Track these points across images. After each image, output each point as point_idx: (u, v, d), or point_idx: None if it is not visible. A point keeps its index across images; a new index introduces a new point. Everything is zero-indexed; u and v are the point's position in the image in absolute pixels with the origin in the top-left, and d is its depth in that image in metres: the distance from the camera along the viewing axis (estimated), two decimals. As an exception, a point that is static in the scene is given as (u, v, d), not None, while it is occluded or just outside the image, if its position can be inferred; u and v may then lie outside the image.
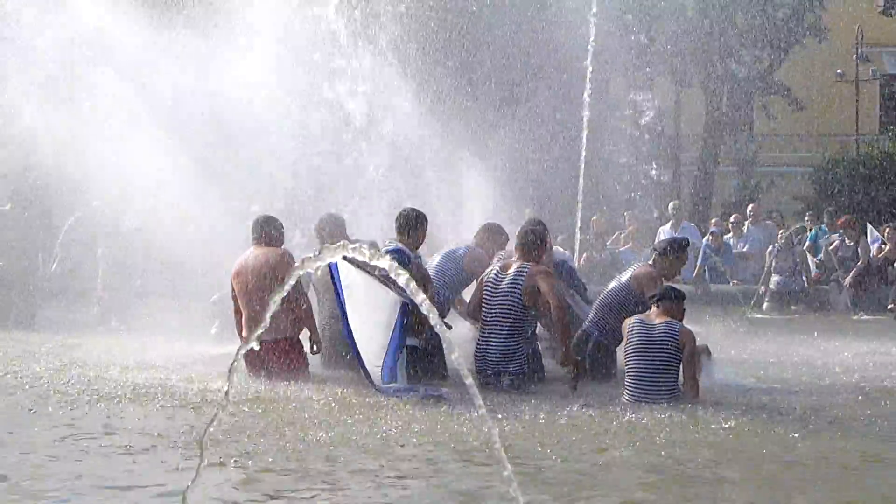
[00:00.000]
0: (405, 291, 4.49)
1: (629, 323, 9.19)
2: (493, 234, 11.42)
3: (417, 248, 10.26)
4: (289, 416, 8.03)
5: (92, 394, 8.82)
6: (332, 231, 10.93)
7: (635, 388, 8.89)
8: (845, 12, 35.93)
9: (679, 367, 8.98)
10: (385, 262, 4.41)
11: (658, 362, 8.90)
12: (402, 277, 4.39)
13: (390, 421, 7.85)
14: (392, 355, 9.05)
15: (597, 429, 7.80)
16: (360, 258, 4.47)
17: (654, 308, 9.19)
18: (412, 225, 10.12)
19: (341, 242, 4.42)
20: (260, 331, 4.53)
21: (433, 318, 4.42)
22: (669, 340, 8.93)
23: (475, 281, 10.31)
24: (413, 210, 10.33)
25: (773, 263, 18.92)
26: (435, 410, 8.31)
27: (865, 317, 17.54)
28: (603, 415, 8.33)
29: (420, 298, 4.44)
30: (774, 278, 18.87)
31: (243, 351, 4.47)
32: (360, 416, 8.00)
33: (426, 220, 10.32)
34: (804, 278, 18.98)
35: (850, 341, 14.00)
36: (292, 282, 4.38)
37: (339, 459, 6.63)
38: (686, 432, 7.73)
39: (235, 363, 4.41)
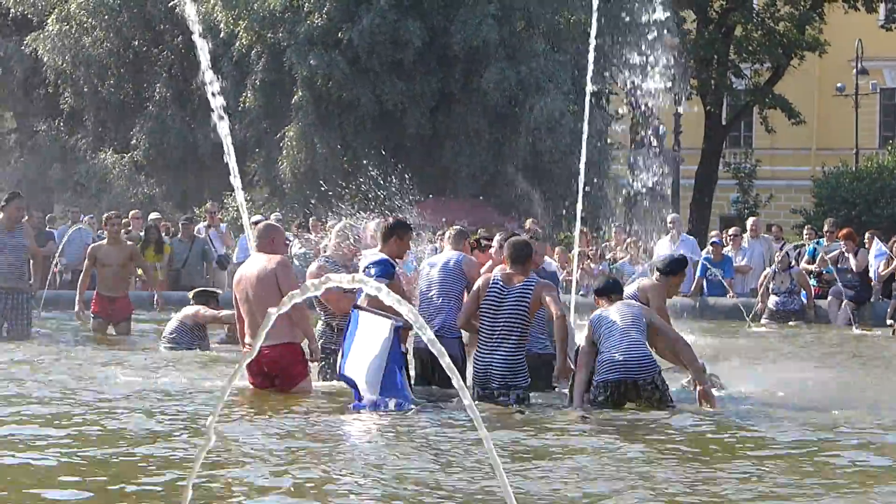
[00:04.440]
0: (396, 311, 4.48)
1: (592, 319, 9.57)
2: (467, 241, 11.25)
3: (400, 256, 10.29)
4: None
5: None
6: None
7: (621, 366, 9.15)
8: (845, 26, 35.96)
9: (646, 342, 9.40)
10: (359, 282, 4.41)
11: (631, 336, 9.24)
12: (383, 292, 4.37)
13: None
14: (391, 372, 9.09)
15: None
16: (344, 285, 4.46)
17: (602, 302, 9.67)
18: (393, 234, 10.11)
19: (325, 277, 4.39)
20: (257, 346, 4.48)
21: (425, 333, 4.42)
22: (635, 313, 9.44)
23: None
24: (395, 220, 10.33)
25: (770, 285, 18.85)
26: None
27: (865, 331, 17.48)
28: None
29: (405, 309, 4.43)
30: (773, 298, 18.80)
31: (245, 361, 4.43)
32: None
33: (409, 229, 10.34)
34: (803, 299, 18.88)
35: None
36: (288, 306, 4.33)
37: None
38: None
39: (237, 373, 4.37)
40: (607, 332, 9.30)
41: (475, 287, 9.79)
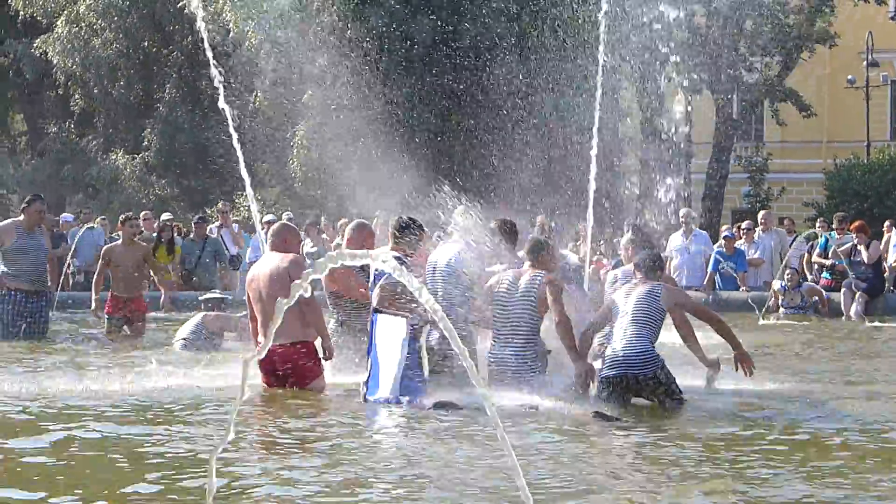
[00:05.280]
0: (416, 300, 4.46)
1: (613, 295, 9.61)
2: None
3: (411, 255, 10.24)
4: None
5: None
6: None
7: (622, 361, 9.08)
8: (855, 18, 35.87)
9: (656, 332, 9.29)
10: (382, 262, 4.39)
11: (634, 330, 9.16)
12: (406, 277, 4.36)
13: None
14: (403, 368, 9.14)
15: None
16: (359, 262, 4.44)
17: (637, 274, 9.61)
18: (404, 233, 10.08)
19: (336, 252, 4.36)
20: (268, 344, 4.46)
21: (444, 323, 4.39)
22: (651, 303, 9.28)
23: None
24: (407, 218, 10.27)
25: (781, 299, 18.79)
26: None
27: (878, 323, 17.42)
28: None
29: (424, 296, 4.41)
30: (783, 311, 18.73)
31: (254, 359, 4.40)
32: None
33: (421, 228, 10.27)
34: (817, 309, 18.79)
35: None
36: (295, 298, 4.30)
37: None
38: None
39: (246, 373, 4.35)
40: (615, 323, 9.32)
41: (488, 284, 9.88)
